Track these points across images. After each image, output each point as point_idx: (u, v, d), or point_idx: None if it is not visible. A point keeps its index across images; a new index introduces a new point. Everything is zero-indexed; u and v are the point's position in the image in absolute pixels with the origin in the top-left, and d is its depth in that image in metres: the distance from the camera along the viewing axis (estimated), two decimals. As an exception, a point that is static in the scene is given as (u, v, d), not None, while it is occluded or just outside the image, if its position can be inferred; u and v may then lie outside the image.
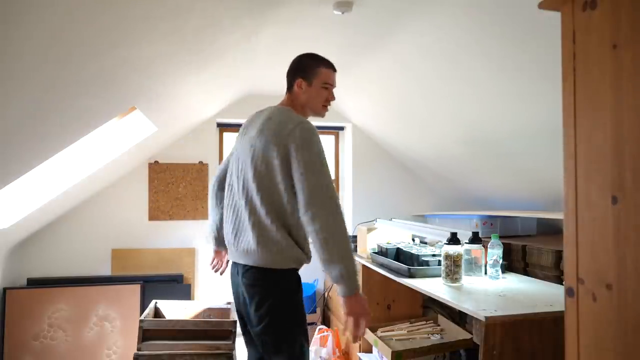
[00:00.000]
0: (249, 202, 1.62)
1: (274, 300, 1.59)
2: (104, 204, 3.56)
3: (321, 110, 1.81)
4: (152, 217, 3.63)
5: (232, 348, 2.47)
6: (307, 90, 1.76)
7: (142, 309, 3.27)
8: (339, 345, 3.08)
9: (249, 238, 1.61)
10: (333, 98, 1.81)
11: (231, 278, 1.77)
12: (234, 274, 1.74)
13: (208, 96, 3.25)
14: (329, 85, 1.78)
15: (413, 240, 2.82)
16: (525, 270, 2.30)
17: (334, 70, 1.82)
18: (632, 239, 0.90)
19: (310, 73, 1.76)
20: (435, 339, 2.30)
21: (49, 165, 2.51)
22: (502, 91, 2.20)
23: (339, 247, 1.48)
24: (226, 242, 1.76)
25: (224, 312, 2.82)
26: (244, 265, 1.64)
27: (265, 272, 1.60)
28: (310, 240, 1.55)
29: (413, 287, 2.06)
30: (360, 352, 2.80)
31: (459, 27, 1.95)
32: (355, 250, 2.99)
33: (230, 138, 4.00)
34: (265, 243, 1.58)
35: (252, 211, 1.61)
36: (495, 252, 2.12)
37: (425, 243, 2.72)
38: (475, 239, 2.06)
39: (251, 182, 1.61)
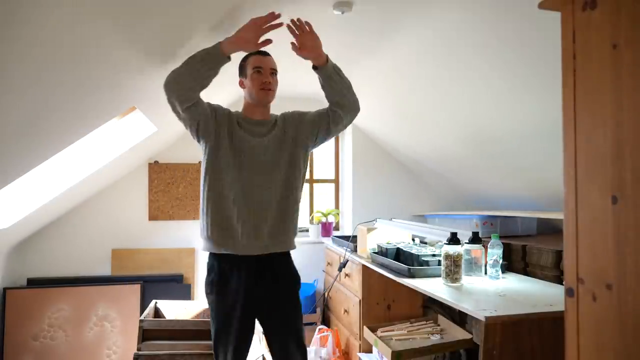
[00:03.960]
0: None
1: None
2: (104, 204, 3.56)
3: (261, 95, 1.80)
4: (152, 217, 3.63)
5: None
6: (245, 84, 1.83)
7: (142, 309, 3.27)
8: (339, 345, 3.08)
9: None
10: (269, 79, 1.79)
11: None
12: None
13: (208, 96, 3.24)
14: (260, 68, 1.78)
15: (413, 240, 2.82)
16: (525, 270, 2.30)
17: (264, 54, 1.82)
18: (632, 239, 0.90)
19: (243, 68, 1.84)
20: (435, 339, 2.29)
21: (49, 165, 2.51)
22: (502, 91, 2.20)
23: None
24: None
25: (224, 312, 2.81)
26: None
27: None
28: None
29: (413, 287, 2.06)
30: (360, 352, 2.79)
31: (460, 27, 1.95)
32: (355, 251, 2.99)
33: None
34: None
35: None
36: (495, 252, 2.12)
37: (425, 243, 2.72)
38: (475, 239, 2.06)
39: None
